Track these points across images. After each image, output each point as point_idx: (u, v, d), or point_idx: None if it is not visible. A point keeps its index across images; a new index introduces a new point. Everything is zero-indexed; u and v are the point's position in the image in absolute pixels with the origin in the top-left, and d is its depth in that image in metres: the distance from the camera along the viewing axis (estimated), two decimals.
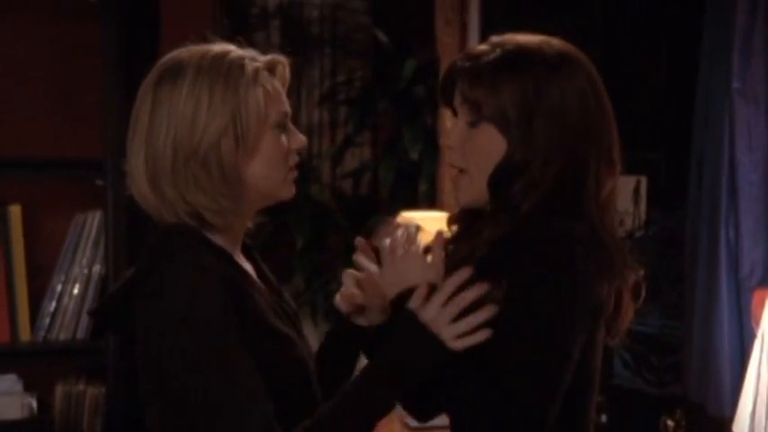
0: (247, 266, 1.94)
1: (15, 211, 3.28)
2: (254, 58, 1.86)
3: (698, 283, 2.90)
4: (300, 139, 1.91)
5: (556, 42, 1.92)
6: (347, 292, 2.00)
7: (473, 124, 1.89)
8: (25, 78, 3.38)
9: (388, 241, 1.88)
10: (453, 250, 1.94)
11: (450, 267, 1.85)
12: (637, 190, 3.33)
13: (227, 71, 1.82)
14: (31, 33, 3.38)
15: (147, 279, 1.77)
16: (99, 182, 3.25)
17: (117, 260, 3.24)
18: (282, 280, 4.38)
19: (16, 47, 3.37)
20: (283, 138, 1.87)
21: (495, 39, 1.93)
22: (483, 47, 1.92)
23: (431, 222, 3.67)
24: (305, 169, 4.48)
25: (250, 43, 1.90)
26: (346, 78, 4.72)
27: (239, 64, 1.83)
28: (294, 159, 1.90)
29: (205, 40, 1.88)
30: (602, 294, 1.82)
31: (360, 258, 1.95)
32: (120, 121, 3.15)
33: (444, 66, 3.86)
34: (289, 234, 4.43)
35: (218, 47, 1.86)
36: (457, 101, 1.93)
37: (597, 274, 1.80)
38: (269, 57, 1.88)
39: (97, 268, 3.33)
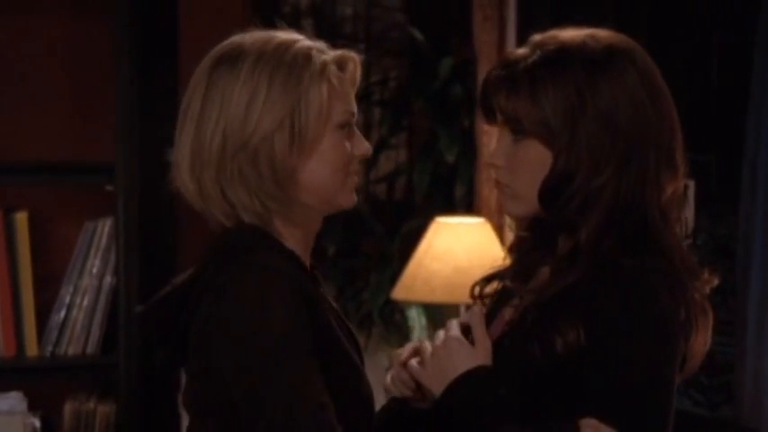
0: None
1: (22, 218, 3.26)
2: (322, 50, 1.73)
3: (751, 296, 2.86)
4: (365, 146, 1.78)
5: (603, 35, 1.76)
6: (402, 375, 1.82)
7: (516, 140, 1.74)
8: (32, 80, 3.36)
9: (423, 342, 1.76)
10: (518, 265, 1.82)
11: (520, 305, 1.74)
12: (684, 195, 3.18)
13: (292, 60, 1.69)
14: (41, 34, 3.36)
15: (210, 283, 1.65)
16: (109, 187, 3.22)
17: (128, 270, 3.21)
18: None
19: (25, 48, 3.35)
20: (346, 141, 1.74)
21: (536, 38, 1.78)
22: (521, 50, 1.77)
23: (468, 228, 3.62)
24: None
25: None
26: (381, 78, 4.66)
27: (306, 54, 1.70)
28: (355, 167, 1.77)
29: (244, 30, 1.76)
30: (689, 332, 1.71)
31: (411, 364, 1.77)
32: (132, 125, 3.16)
33: (482, 64, 3.86)
34: (320, 240, 4.34)
35: (285, 34, 1.73)
36: (498, 116, 1.78)
37: (682, 314, 1.69)
38: (339, 52, 1.75)
39: (108, 278, 3.30)
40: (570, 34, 1.75)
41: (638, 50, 1.76)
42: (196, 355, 1.67)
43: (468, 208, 4.10)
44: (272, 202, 1.69)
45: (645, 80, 1.73)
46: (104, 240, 3.27)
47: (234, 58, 1.70)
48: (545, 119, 1.70)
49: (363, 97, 4.62)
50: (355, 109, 1.77)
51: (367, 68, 4.71)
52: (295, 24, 4.56)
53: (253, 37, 1.73)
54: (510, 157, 1.75)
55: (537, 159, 1.72)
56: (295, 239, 1.74)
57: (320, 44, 1.74)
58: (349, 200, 1.77)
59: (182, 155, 1.72)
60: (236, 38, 1.73)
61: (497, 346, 1.76)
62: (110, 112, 3.19)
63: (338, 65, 1.74)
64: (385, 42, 4.69)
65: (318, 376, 1.61)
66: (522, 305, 1.75)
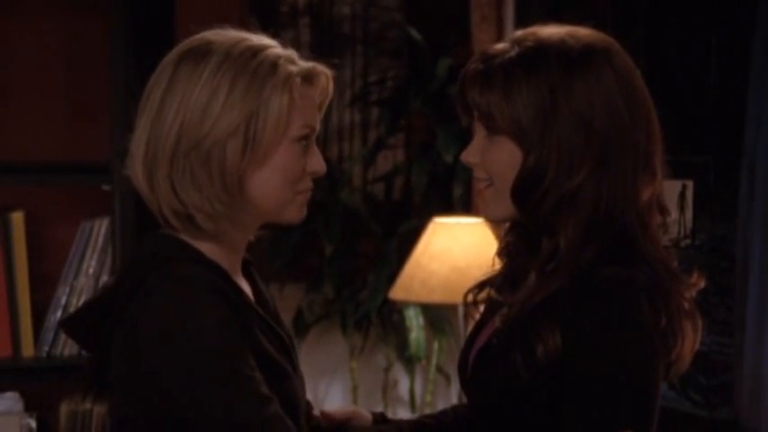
0: (244, 286, 1.78)
1: (18, 218, 3.23)
2: (292, 60, 1.70)
3: (749, 296, 2.86)
4: (319, 163, 1.74)
5: (583, 33, 1.73)
6: None
7: (489, 136, 1.72)
8: (28, 79, 3.34)
9: None
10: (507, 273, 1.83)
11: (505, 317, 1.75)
12: (683, 195, 3.20)
13: (257, 67, 1.67)
14: (36, 33, 3.34)
15: (129, 297, 1.64)
16: (106, 187, 3.19)
17: None
18: (311, 288, 4.36)
19: (20, 46, 3.33)
20: (301, 157, 1.72)
21: (516, 34, 1.75)
22: (501, 45, 1.75)
23: (466, 229, 3.60)
24: (335, 173, 4.43)
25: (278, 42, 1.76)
26: (378, 78, 4.66)
27: (272, 62, 1.67)
28: (307, 184, 1.74)
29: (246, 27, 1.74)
30: (672, 342, 1.69)
31: None
32: (128, 124, 3.06)
33: None
34: (317, 240, 4.37)
35: (257, 38, 1.70)
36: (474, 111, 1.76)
37: (663, 324, 1.67)
38: (310, 64, 1.72)
39: (104, 279, 3.26)
40: (549, 31, 1.72)
41: (618, 51, 1.73)
42: (123, 364, 1.66)
43: (466, 208, 4.09)
44: (219, 205, 1.67)
45: (622, 82, 1.70)
46: (101, 240, 3.25)
47: (200, 55, 1.67)
48: (517, 116, 1.68)
49: (361, 97, 4.64)
50: (317, 124, 1.73)
51: (365, 68, 4.70)
52: (292, 23, 4.60)
53: (224, 36, 1.70)
54: (484, 153, 1.73)
55: (509, 156, 1.70)
56: (231, 243, 1.73)
57: (291, 53, 1.71)
58: (295, 216, 1.74)
59: (137, 145, 1.70)
60: (208, 34, 1.71)
61: (482, 354, 1.75)
62: (106, 111, 3.17)
63: (306, 78, 1.71)
64: (383, 42, 4.69)
65: (256, 372, 1.61)
66: (509, 314, 1.73)
